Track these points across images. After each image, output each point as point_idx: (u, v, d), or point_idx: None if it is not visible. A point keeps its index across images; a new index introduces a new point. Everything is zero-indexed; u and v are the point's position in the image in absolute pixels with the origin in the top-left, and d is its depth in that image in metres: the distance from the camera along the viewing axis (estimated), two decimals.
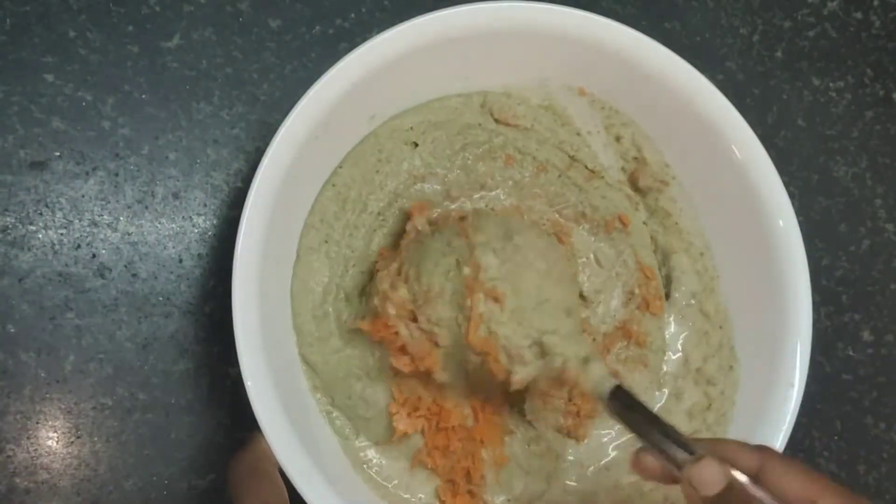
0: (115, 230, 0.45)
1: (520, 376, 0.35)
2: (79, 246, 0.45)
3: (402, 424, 0.39)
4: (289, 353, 0.40)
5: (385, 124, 0.42)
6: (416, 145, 0.42)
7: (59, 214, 0.45)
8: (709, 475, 0.29)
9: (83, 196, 0.45)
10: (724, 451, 0.30)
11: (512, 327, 0.35)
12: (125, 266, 0.45)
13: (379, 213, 0.42)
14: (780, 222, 0.39)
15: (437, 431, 0.39)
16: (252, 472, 0.36)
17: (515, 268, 0.36)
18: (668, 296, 0.45)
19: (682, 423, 0.42)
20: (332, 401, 0.40)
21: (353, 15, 0.49)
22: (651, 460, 0.31)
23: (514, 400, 0.41)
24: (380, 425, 0.40)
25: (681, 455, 0.30)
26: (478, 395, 0.40)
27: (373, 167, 0.41)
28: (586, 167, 0.45)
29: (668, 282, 0.46)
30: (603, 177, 0.46)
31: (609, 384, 0.33)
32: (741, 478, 0.29)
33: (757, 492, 0.29)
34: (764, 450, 0.30)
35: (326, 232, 0.41)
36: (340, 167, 0.41)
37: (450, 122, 0.43)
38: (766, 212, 0.39)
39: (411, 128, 0.42)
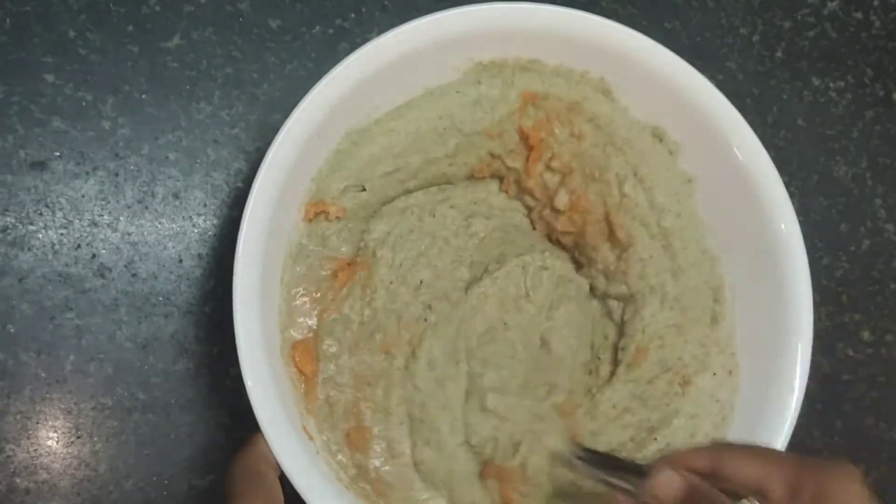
0: (115, 230, 0.45)
1: None
2: (79, 246, 0.45)
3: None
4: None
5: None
6: None
7: (59, 214, 0.45)
8: (665, 484, 0.30)
9: (83, 196, 0.45)
10: (677, 460, 0.31)
11: None
12: (125, 266, 0.45)
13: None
14: (782, 225, 0.39)
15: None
16: (248, 474, 0.36)
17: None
18: None
19: (681, 429, 0.42)
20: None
21: (353, 15, 0.49)
22: (622, 500, 0.33)
23: None
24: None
25: (639, 480, 0.31)
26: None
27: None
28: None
29: None
30: None
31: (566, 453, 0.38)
32: (696, 480, 0.30)
33: (712, 489, 0.29)
34: (717, 446, 0.31)
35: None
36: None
37: None
38: (766, 214, 0.39)
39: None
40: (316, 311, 0.40)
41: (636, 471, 0.32)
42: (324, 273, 0.40)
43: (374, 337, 0.41)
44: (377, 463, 0.40)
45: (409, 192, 0.44)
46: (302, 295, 0.40)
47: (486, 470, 0.40)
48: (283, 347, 0.38)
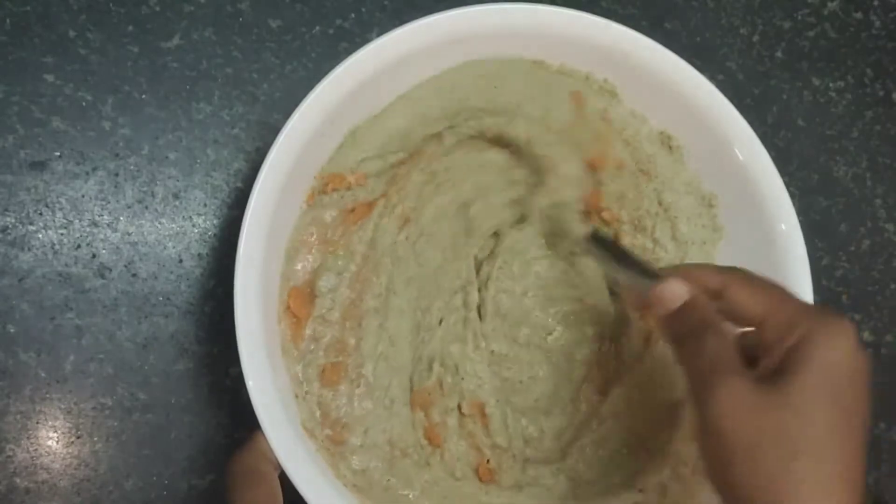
0: (115, 230, 0.45)
1: None
2: (79, 246, 0.45)
3: None
4: None
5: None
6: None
7: (59, 214, 0.45)
8: (669, 292, 0.30)
9: (83, 196, 0.45)
10: (690, 273, 0.31)
11: None
12: (125, 266, 0.45)
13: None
14: (782, 225, 0.39)
15: None
16: (248, 473, 0.36)
17: None
18: None
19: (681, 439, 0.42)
20: None
21: (353, 15, 0.49)
22: (633, 295, 0.35)
23: None
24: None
25: (650, 283, 0.32)
26: None
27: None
28: None
29: None
30: None
31: (587, 228, 0.39)
32: (701, 296, 0.30)
33: (713, 307, 0.30)
34: (732, 270, 0.31)
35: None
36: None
37: None
38: (766, 214, 0.39)
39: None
40: (320, 253, 0.40)
41: (648, 272, 0.33)
42: (335, 215, 0.40)
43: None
44: (342, 401, 0.40)
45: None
46: (306, 242, 0.40)
47: (413, 399, 0.41)
48: (284, 342, 0.38)
